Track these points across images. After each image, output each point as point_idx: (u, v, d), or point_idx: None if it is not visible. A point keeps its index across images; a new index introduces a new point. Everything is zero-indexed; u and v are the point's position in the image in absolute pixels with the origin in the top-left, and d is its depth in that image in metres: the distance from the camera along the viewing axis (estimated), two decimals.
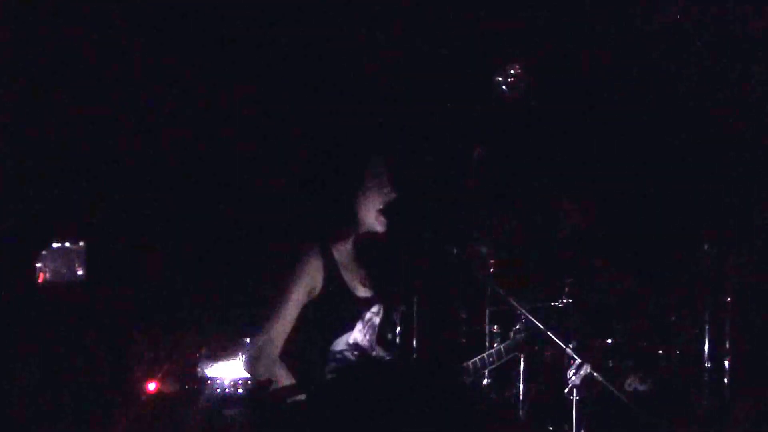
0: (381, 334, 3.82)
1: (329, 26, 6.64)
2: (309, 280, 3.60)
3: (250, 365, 3.59)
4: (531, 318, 4.15)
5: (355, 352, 3.66)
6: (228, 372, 5.65)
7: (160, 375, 5.66)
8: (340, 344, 3.64)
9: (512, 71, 7.18)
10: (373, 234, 3.78)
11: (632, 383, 5.48)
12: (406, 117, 7.14)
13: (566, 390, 5.03)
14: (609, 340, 5.89)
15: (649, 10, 6.48)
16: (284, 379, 3.55)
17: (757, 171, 6.96)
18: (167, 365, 5.70)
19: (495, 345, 4.17)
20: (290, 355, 3.57)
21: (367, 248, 3.81)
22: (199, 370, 5.70)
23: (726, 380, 6.04)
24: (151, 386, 5.62)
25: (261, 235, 6.07)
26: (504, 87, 7.19)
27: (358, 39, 6.72)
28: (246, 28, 6.45)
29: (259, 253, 5.97)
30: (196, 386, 5.61)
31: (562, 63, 7.11)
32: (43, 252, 5.77)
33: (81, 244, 5.77)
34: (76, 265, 5.74)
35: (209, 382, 5.66)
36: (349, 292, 3.69)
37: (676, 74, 7.01)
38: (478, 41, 7.05)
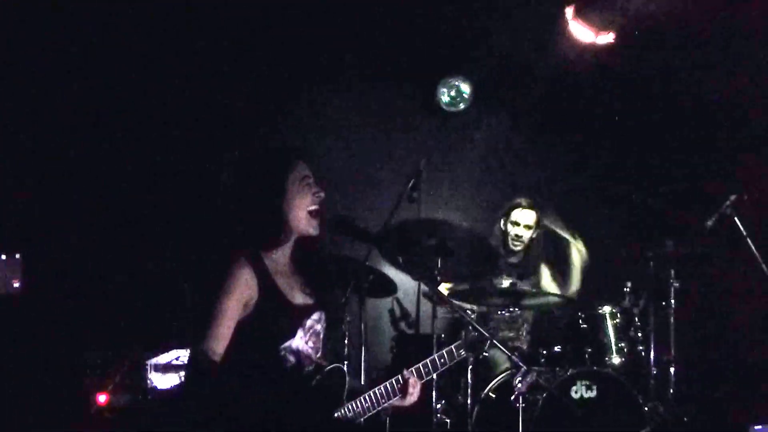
0: (325, 342, 3.80)
1: (248, 30, 6.66)
2: (242, 291, 3.56)
3: (189, 374, 3.58)
4: (476, 325, 4.16)
5: (297, 357, 3.64)
6: (174, 381, 5.61)
7: (110, 387, 5.57)
8: (282, 351, 3.62)
9: (455, 83, 7.25)
10: (307, 238, 3.75)
11: (578, 390, 5.51)
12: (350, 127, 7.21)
13: (513, 397, 5.08)
14: (556, 348, 5.94)
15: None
16: (222, 385, 3.50)
17: (694, 179, 7.10)
18: (117, 377, 5.61)
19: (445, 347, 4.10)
20: (230, 364, 3.52)
21: (304, 255, 3.79)
22: (148, 381, 5.63)
23: (671, 385, 6.11)
24: (102, 398, 5.52)
25: (195, 245, 6.03)
26: (447, 98, 7.27)
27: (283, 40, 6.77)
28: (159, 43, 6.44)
29: (193, 264, 5.93)
30: (142, 398, 5.54)
31: (503, 75, 7.22)
32: None
33: (17, 256, 5.68)
34: (12, 277, 5.65)
35: (159, 394, 5.60)
36: (286, 300, 3.65)
37: (600, 86, 7.15)
38: (419, 54, 7.12)
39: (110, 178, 6.46)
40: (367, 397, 3.84)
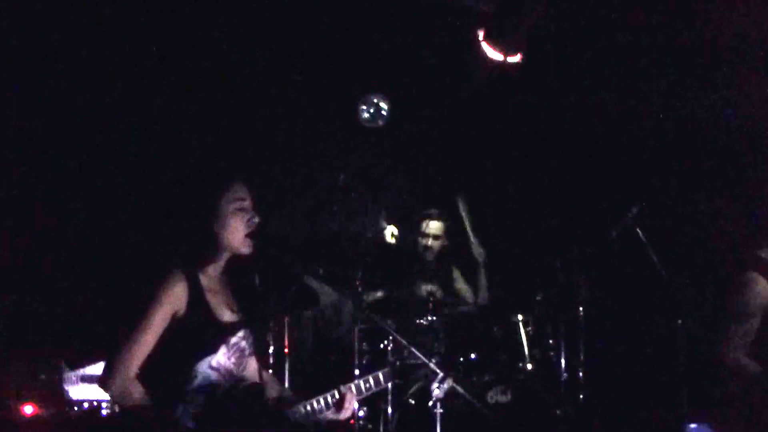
0: (249, 355, 3.83)
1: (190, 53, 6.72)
2: (172, 303, 3.59)
3: (104, 382, 3.57)
4: (396, 335, 4.31)
5: (219, 373, 3.68)
6: (94, 393, 5.56)
7: (36, 397, 5.51)
8: (203, 366, 3.64)
9: (374, 100, 7.40)
10: (240, 257, 3.79)
11: (494, 396, 5.69)
12: (269, 141, 7.27)
13: (430, 403, 5.25)
14: (472, 355, 6.11)
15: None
16: (138, 396, 3.53)
17: (606, 193, 7.33)
18: (42, 386, 5.55)
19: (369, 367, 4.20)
20: (150, 373, 3.57)
21: (235, 273, 3.84)
22: (66, 390, 5.58)
23: (581, 390, 6.32)
24: (28, 409, 5.45)
25: (128, 257, 6.04)
26: (366, 115, 7.40)
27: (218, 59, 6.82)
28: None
29: (125, 276, 5.93)
30: (76, 408, 5.48)
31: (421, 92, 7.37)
32: None
33: None
34: None
35: (76, 404, 5.56)
36: (213, 317, 3.69)
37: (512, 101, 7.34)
38: (340, 70, 7.23)
39: (41, 189, 6.40)
40: (302, 409, 3.87)
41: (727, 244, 6.44)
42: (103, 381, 3.57)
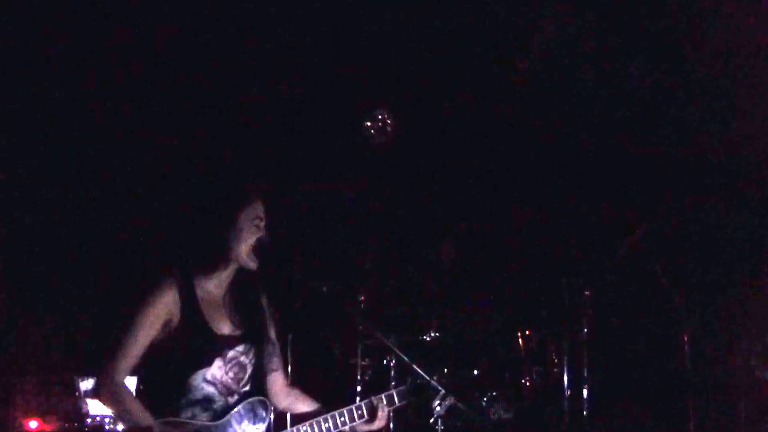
0: (253, 373, 3.84)
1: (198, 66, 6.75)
2: (161, 309, 3.62)
3: (95, 390, 3.66)
4: (398, 351, 4.33)
5: (214, 387, 3.69)
6: (99, 409, 5.49)
7: (41, 412, 5.51)
8: (197, 378, 3.66)
9: (380, 116, 7.41)
10: (246, 271, 3.82)
11: (497, 412, 5.69)
12: (280, 158, 7.28)
13: (431, 420, 5.25)
14: (475, 371, 6.12)
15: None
16: (130, 404, 3.56)
17: (609, 217, 7.33)
18: (48, 401, 5.58)
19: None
20: (144, 382, 3.63)
21: (239, 287, 3.86)
22: (82, 406, 5.55)
23: (584, 407, 6.31)
24: (33, 424, 5.46)
25: (124, 264, 6.06)
26: (372, 131, 7.42)
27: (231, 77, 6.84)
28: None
29: (121, 283, 5.95)
30: (76, 424, 5.51)
31: (428, 108, 7.38)
32: None
33: None
34: None
35: (91, 419, 5.53)
36: (208, 328, 3.70)
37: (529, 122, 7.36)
38: (346, 86, 7.25)
39: (39, 198, 6.41)
40: (328, 418, 3.87)
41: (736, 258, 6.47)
42: (94, 389, 3.66)
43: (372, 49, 7.03)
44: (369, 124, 7.38)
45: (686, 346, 6.02)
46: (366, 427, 3.98)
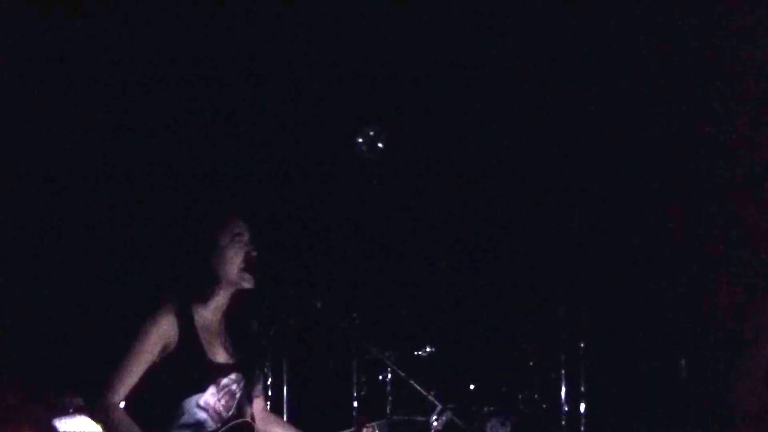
0: (241, 403, 3.81)
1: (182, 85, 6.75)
2: (159, 337, 3.61)
3: (89, 405, 3.62)
4: (394, 367, 4.31)
5: (207, 413, 3.67)
6: (85, 427, 5.46)
7: (30, 427, 5.49)
8: (190, 403, 3.64)
9: (371, 132, 7.42)
10: (243, 293, 3.79)
11: (494, 426, 5.67)
12: (265, 174, 7.28)
13: None
14: (471, 386, 6.10)
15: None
16: (123, 421, 3.55)
17: (606, 234, 7.33)
18: (27, 417, 5.53)
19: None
20: (138, 405, 3.60)
21: (234, 314, 3.83)
22: (56, 424, 5.47)
23: (582, 421, 6.31)
24: None
25: (123, 291, 6.05)
26: (363, 147, 7.42)
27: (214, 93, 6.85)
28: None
29: (118, 309, 5.93)
30: None
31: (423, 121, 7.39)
32: None
33: None
34: None
35: None
36: (204, 355, 3.69)
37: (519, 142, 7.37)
38: (338, 103, 7.26)
39: (37, 216, 6.42)
40: None
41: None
42: (89, 404, 3.65)
43: (363, 63, 7.07)
44: (360, 140, 7.40)
45: (683, 361, 6.02)
46: None
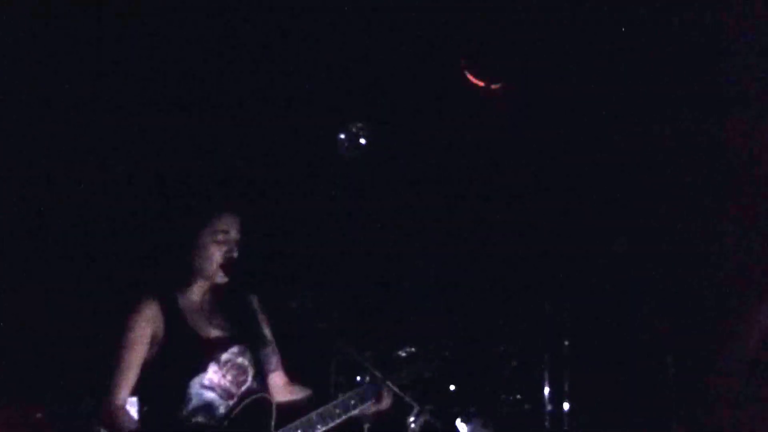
0: (256, 374, 3.83)
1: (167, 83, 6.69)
2: (146, 327, 3.63)
3: (97, 416, 3.65)
4: (372, 368, 4.25)
5: (214, 392, 3.67)
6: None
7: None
8: (195, 386, 3.64)
9: (354, 129, 7.36)
10: (215, 285, 3.82)
11: (475, 428, 5.64)
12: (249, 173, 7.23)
13: None
14: (452, 387, 6.05)
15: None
16: (127, 423, 3.56)
17: (590, 231, 7.30)
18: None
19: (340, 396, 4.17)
20: (145, 401, 3.62)
21: (214, 295, 3.85)
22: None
23: (565, 423, 6.27)
24: None
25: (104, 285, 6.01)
26: (346, 145, 7.36)
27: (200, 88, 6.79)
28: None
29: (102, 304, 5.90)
30: None
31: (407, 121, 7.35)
32: None
33: None
34: None
35: None
36: (195, 334, 3.70)
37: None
38: (321, 100, 7.21)
39: (22, 216, 6.30)
40: (338, 404, 3.94)
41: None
42: (97, 410, 3.68)
43: (347, 62, 7.02)
44: (342, 137, 7.34)
45: (669, 360, 6.00)
46: (374, 408, 4.06)
